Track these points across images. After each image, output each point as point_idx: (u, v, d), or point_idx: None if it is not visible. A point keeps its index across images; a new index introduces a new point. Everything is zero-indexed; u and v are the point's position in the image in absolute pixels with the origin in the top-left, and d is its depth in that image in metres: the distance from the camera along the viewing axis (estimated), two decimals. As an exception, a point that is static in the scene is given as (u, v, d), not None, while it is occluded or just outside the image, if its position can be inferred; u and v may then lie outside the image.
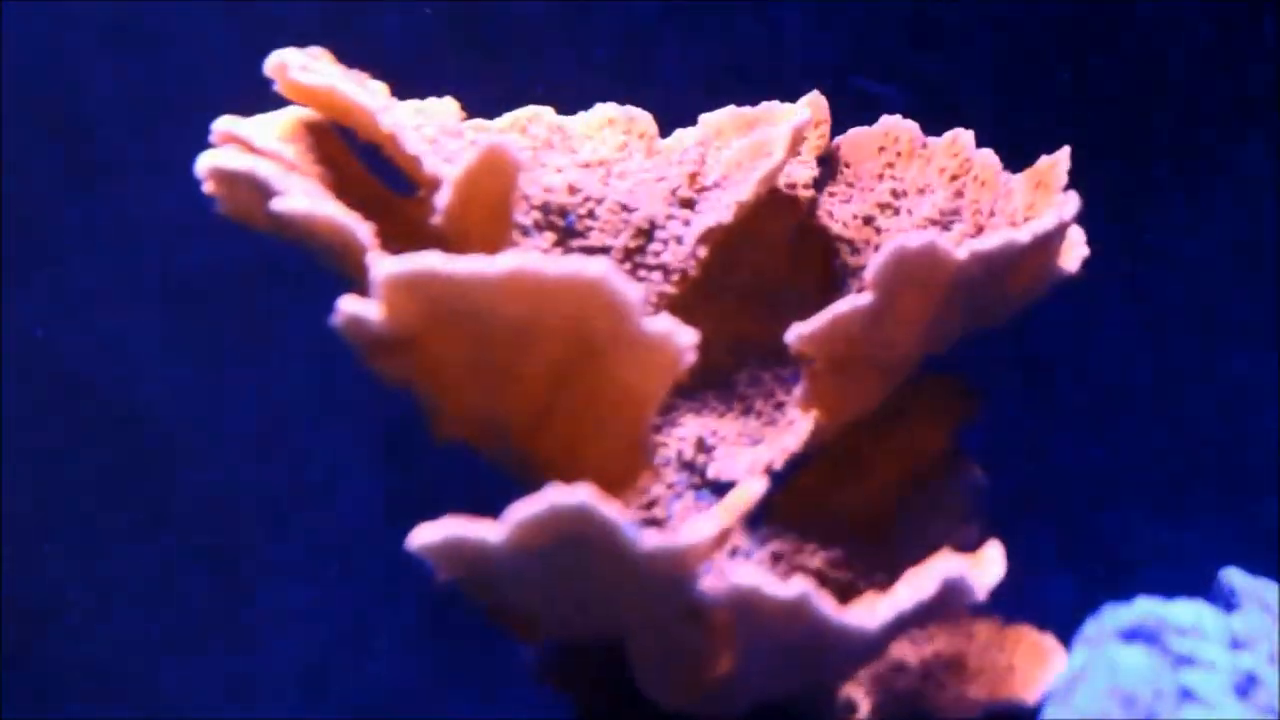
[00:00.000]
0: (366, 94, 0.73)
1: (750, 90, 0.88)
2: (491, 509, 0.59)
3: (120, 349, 1.24)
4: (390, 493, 1.29)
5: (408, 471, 1.28)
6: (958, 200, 0.81)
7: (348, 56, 0.78)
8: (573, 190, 0.79)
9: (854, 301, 0.67)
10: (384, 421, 1.28)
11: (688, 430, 0.78)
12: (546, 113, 0.84)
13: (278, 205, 0.64)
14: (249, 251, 1.15)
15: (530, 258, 0.58)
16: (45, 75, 1.19)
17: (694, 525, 0.59)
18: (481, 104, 0.84)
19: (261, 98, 0.75)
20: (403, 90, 0.79)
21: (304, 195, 0.65)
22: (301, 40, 0.77)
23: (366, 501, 1.29)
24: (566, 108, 0.86)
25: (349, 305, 0.60)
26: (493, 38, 1.25)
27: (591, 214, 0.79)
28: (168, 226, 1.22)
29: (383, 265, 0.59)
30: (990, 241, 0.67)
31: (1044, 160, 0.78)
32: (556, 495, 0.55)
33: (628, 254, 0.79)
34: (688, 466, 0.76)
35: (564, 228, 0.78)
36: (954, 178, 0.81)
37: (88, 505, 1.25)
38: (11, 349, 1.21)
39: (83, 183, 1.21)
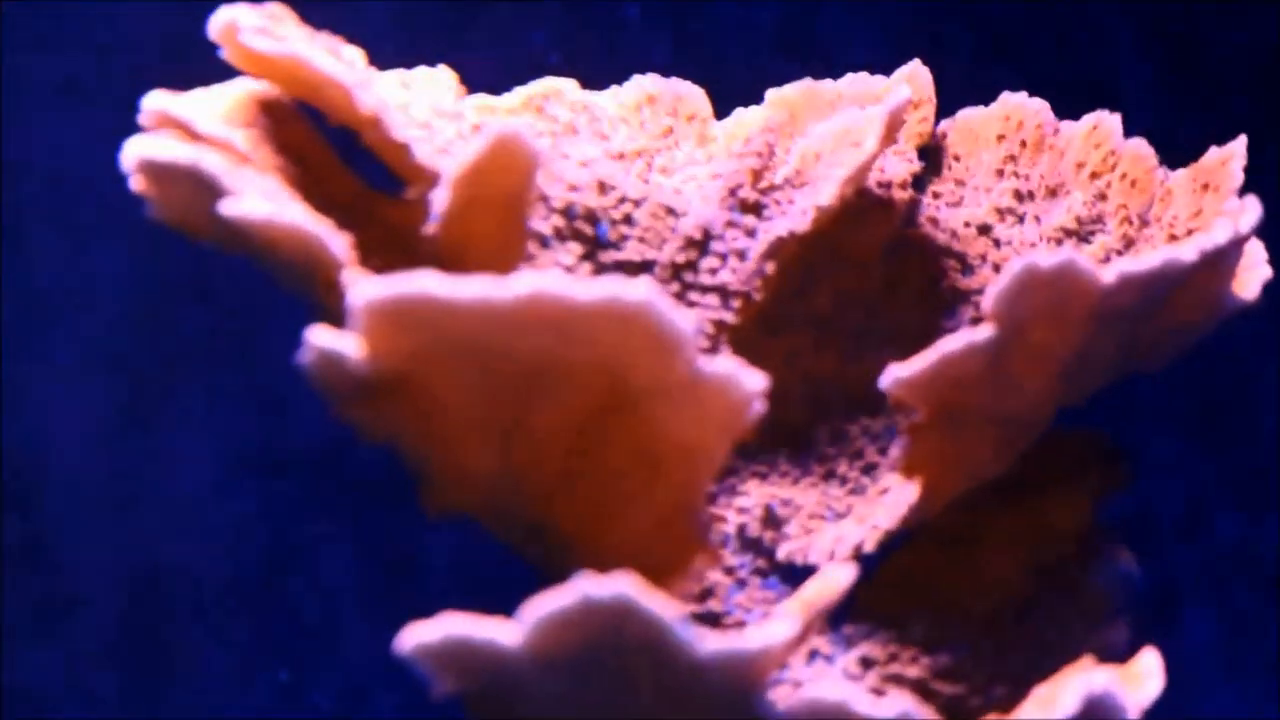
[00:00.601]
0: (340, 65, 0.73)
1: (822, 58, 0.88)
2: (497, 596, 0.59)
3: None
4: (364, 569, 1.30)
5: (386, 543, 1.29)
6: (1100, 205, 0.81)
7: (313, 15, 0.78)
8: (604, 188, 0.80)
9: (969, 337, 0.67)
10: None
11: (752, 499, 0.78)
12: (569, 88, 0.84)
13: (229, 209, 0.64)
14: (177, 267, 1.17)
15: (553, 279, 0.58)
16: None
17: (765, 625, 0.59)
18: (483, 74, 0.84)
19: (199, 67, 0.75)
20: (384, 58, 0.79)
21: (261, 196, 0.66)
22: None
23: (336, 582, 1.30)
24: (593, 80, 0.86)
25: (320, 338, 0.60)
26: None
27: (628, 219, 0.80)
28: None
29: (363, 288, 0.59)
30: (1145, 261, 0.67)
31: (1212, 154, 0.78)
32: (589, 586, 0.55)
33: (675, 271, 0.79)
34: (753, 546, 0.77)
35: (594, 238, 0.79)
36: (1095, 175, 0.81)
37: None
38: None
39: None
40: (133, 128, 0.70)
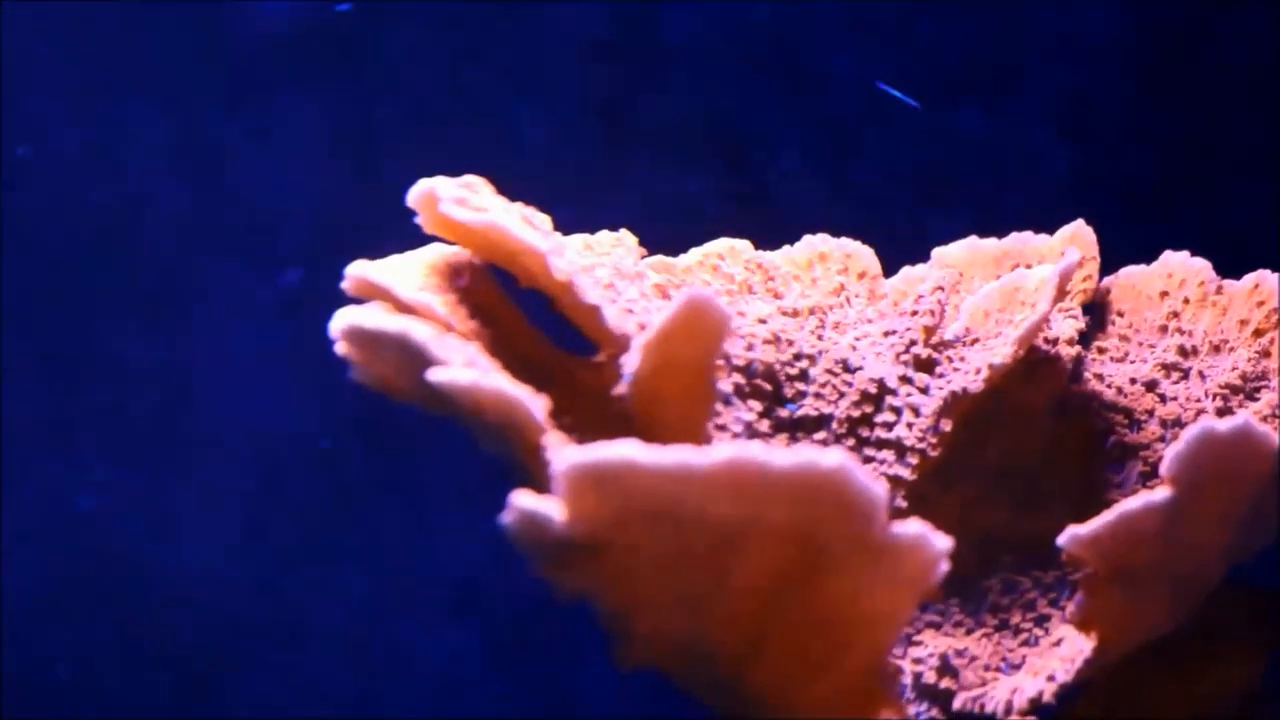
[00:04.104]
0: (536, 233, 0.75)
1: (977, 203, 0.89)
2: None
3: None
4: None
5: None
6: (1264, 362, 0.81)
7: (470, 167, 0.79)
8: (780, 345, 0.81)
9: (1147, 499, 0.68)
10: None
11: (928, 650, 0.78)
12: (744, 247, 0.85)
13: (437, 377, 0.66)
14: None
15: (750, 448, 0.59)
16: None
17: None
18: (639, 228, 0.85)
19: (347, 219, 0.77)
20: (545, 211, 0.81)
21: (465, 363, 0.67)
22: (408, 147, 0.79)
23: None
24: (748, 234, 0.87)
25: (525, 502, 0.61)
26: (649, 143, 1.28)
27: (804, 375, 0.81)
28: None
29: (566, 455, 0.60)
30: (1319, 423, 0.68)
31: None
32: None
33: (851, 426, 0.80)
34: (929, 695, 0.77)
35: (775, 396, 0.80)
36: (1259, 332, 0.82)
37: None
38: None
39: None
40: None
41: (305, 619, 1.32)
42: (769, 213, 0.90)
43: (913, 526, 0.61)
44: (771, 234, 0.88)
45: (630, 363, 0.68)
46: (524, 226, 0.75)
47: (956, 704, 0.77)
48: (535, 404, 0.67)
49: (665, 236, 0.86)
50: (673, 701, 0.71)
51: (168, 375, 1.31)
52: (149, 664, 1.31)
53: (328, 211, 1.26)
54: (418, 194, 0.75)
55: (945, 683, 0.77)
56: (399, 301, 0.72)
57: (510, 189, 0.79)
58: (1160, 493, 0.68)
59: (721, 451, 0.59)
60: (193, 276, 1.30)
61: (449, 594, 1.34)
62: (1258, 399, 0.80)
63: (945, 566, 0.62)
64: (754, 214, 0.90)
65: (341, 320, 0.69)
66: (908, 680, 0.78)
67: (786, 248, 0.86)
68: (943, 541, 0.62)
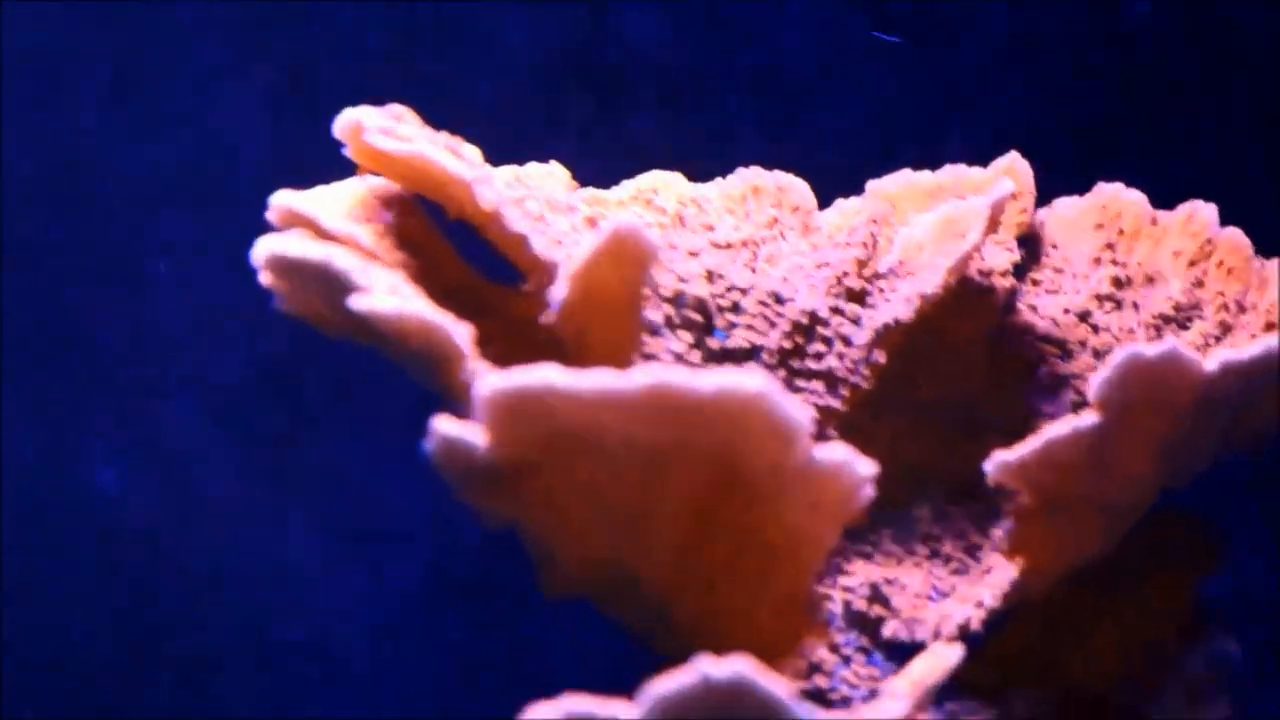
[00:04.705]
0: (462, 163, 0.74)
1: (922, 143, 0.89)
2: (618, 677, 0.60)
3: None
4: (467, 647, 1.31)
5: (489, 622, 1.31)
6: (1197, 292, 0.81)
7: (416, 105, 0.79)
8: (712, 277, 0.81)
9: (1075, 425, 0.68)
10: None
11: (858, 579, 0.78)
12: (677, 181, 0.85)
13: (359, 304, 0.65)
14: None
15: (671, 372, 0.59)
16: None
17: (878, 703, 0.60)
18: (581, 166, 0.85)
19: (293, 166, 0.76)
20: (488, 151, 0.80)
21: (390, 292, 0.67)
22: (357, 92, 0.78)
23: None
24: (693, 172, 0.87)
25: (446, 428, 0.61)
26: (600, 81, 1.27)
27: (736, 307, 0.80)
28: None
29: (489, 381, 0.60)
30: (1247, 350, 0.68)
31: (1308, 242, 0.79)
32: (708, 666, 0.55)
33: (782, 357, 0.80)
34: (858, 623, 0.77)
35: (704, 326, 0.79)
36: (1192, 263, 0.82)
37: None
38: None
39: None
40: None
41: (249, 558, 1.31)
42: (713, 154, 0.89)
43: (836, 451, 0.61)
44: (716, 175, 0.87)
45: (557, 292, 0.68)
46: (449, 156, 0.74)
47: (886, 632, 0.77)
48: (459, 331, 0.66)
49: (609, 178, 0.85)
50: (625, 643, 0.71)
51: (118, 324, 1.30)
52: (87, 595, 1.30)
53: (273, 163, 1.25)
54: (343, 124, 0.74)
55: (875, 611, 0.77)
56: (323, 231, 0.71)
57: (457, 130, 0.78)
58: (1087, 418, 0.68)
59: (642, 376, 0.59)
60: (143, 231, 1.29)
61: (398, 532, 1.33)
62: (1189, 329, 0.80)
63: (870, 492, 0.62)
64: (698, 155, 0.89)
65: (263, 248, 0.69)
66: (838, 609, 0.77)
67: (720, 180, 0.86)
68: (867, 466, 0.62)
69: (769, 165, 0.87)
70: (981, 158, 0.87)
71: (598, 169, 0.86)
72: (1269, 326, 0.78)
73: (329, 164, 0.76)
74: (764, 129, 1.28)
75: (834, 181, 0.87)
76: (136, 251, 1.28)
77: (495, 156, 0.80)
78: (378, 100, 0.76)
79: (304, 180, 0.74)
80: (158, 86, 1.26)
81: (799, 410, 0.60)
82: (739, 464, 0.61)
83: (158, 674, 1.32)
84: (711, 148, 1.26)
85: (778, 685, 0.56)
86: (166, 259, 1.28)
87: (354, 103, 0.75)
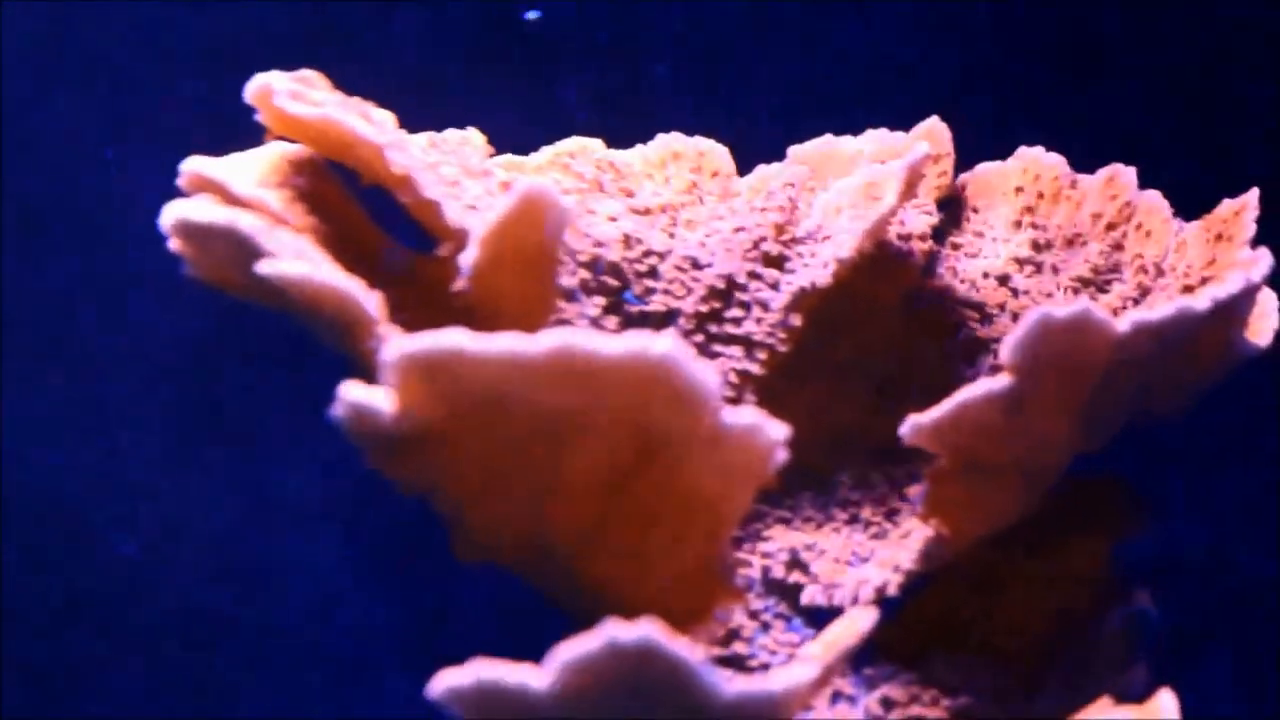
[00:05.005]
0: (372, 127, 0.74)
1: (846, 111, 0.88)
2: (526, 640, 0.60)
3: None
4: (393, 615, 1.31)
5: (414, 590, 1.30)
6: (1116, 255, 0.81)
7: (342, 76, 0.79)
8: (629, 242, 0.80)
9: (988, 386, 0.68)
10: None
11: (777, 544, 0.78)
12: (595, 145, 0.85)
13: (265, 269, 0.65)
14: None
15: (578, 335, 0.58)
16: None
17: (788, 668, 0.59)
18: (508, 133, 0.84)
19: (231, 129, 0.76)
20: (411, 118, 0.80)
21: (296, 256, 0.66)
22: (281, 58, 0.78)
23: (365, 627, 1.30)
24: (618, 138, 0.87)
25: (353, 393, 0.60)
26: (521, 49, 1.26)
27: (653, 272, 0.80)
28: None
29: (395, 345, 0.59)
30: (1160, 311, 0.68)
31: (1225, 206, 0.79)
32: (615, 631, 0.55)
33: (699, 321, 0.79)
34: (777, 589, 0.77)
35: (619, 291, 0.79)
36: (1111, 226, 0.82)
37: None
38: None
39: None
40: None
41: (176, 529, 1.31)
42: (639, 120, 0.89)
43: (747, 415, 0.61)
44: (641, 141, 0.87)
45: (468, 256, 0.67)
46: (359, 120, 0.74)
47: (805, 598, 0.77)
48: (368, 297, 0.66)
49: (534, 143, 0.85)
50: (553, 613, 0.71)
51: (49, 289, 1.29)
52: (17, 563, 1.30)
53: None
54: (254, 89, 0.74)
55: (794, 576, 0.77)
56: (233, 196, 0.71)
57: (382, 98, 0.78)
58: (1000, 380, 0.68)
59: (549, 339, 0.58)
60: (76, 194, 1.28)
61: (323, 504, 1.33)
62: (1108, 292, 0.80)
63: (782, 455, 0.62)
64: (623, 121, 0.89)
65: (170, 214, 0.68)
66: (756, 575, 0.77)
67: (640, 146, 0.85)
68: (778, 430, 0.61)
69: (693, 132, 0.87)
70: (907, 124, 0.87)
71: (526, 137, 0.85)
72: (1186, 290, 0.78)
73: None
74: (690, 95, 1.28)
75: (760, 149, 0.87)
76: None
77: (419, 124, 0.80)
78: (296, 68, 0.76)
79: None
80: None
81: (708, 373, 0.59)
82: (649, 428, 0.61)
83: (92, 645, 1.31)
84: (638, 115, 1.25)
85: (686, 650, 0.55)
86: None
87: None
